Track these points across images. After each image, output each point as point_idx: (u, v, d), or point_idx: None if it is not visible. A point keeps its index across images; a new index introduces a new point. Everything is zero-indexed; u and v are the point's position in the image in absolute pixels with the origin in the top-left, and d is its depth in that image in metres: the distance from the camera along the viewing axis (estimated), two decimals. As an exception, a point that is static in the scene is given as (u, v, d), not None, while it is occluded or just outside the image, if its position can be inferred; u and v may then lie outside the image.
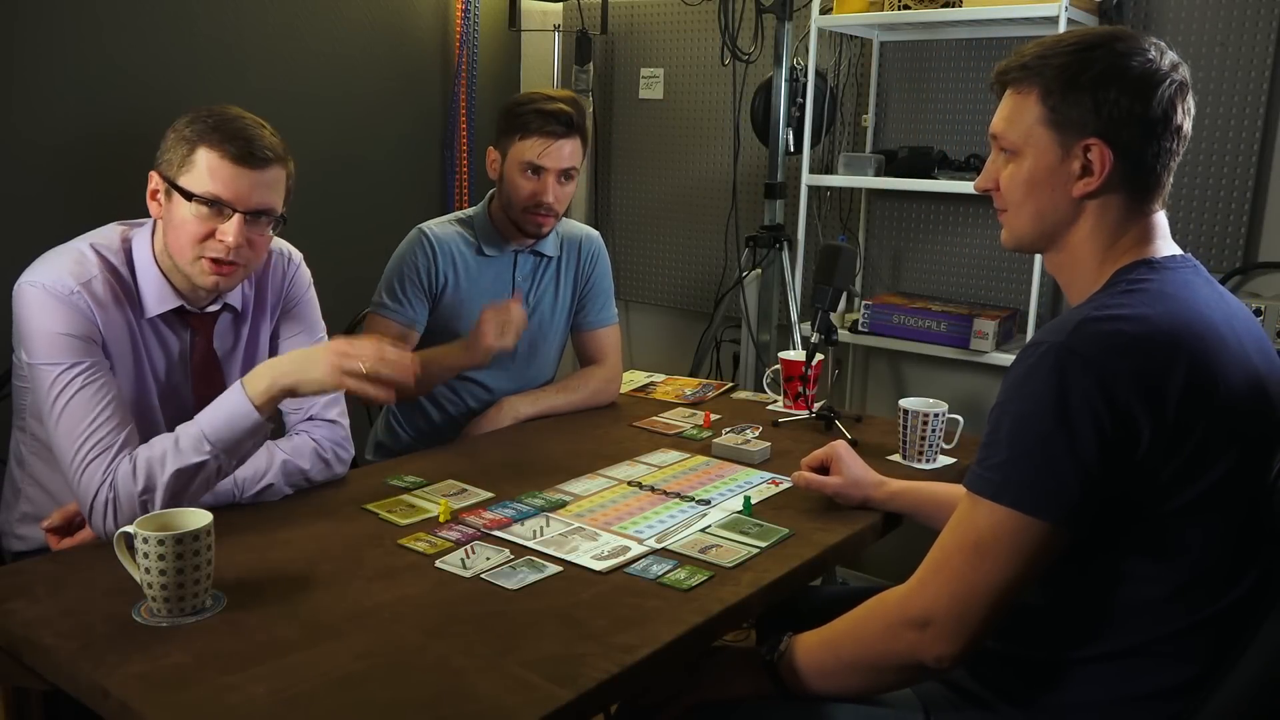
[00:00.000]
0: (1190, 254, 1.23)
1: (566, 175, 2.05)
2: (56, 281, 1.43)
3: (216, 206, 1.45)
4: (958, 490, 1.57)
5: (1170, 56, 1.18)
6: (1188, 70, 1.20)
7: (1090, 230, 1.21)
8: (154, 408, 1.57)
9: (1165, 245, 1.22)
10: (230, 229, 1.45)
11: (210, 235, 1.46)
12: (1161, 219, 1.23)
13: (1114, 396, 1.05)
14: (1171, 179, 1.22)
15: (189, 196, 1.44)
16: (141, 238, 1.54)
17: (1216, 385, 1.09)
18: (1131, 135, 1.16)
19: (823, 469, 1.63)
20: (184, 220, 1.45)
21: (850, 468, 1.61)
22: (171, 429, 1.57)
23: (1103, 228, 1.20)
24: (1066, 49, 1.18)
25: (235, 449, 1.45)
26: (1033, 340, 1.13)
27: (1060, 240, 1.23)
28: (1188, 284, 1.17)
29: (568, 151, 2.03)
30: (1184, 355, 1.08)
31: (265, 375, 1.45)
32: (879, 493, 1.59)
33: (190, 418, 1.58)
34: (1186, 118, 1.19)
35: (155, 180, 1.48)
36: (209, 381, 1.61)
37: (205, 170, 1.43)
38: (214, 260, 1.47)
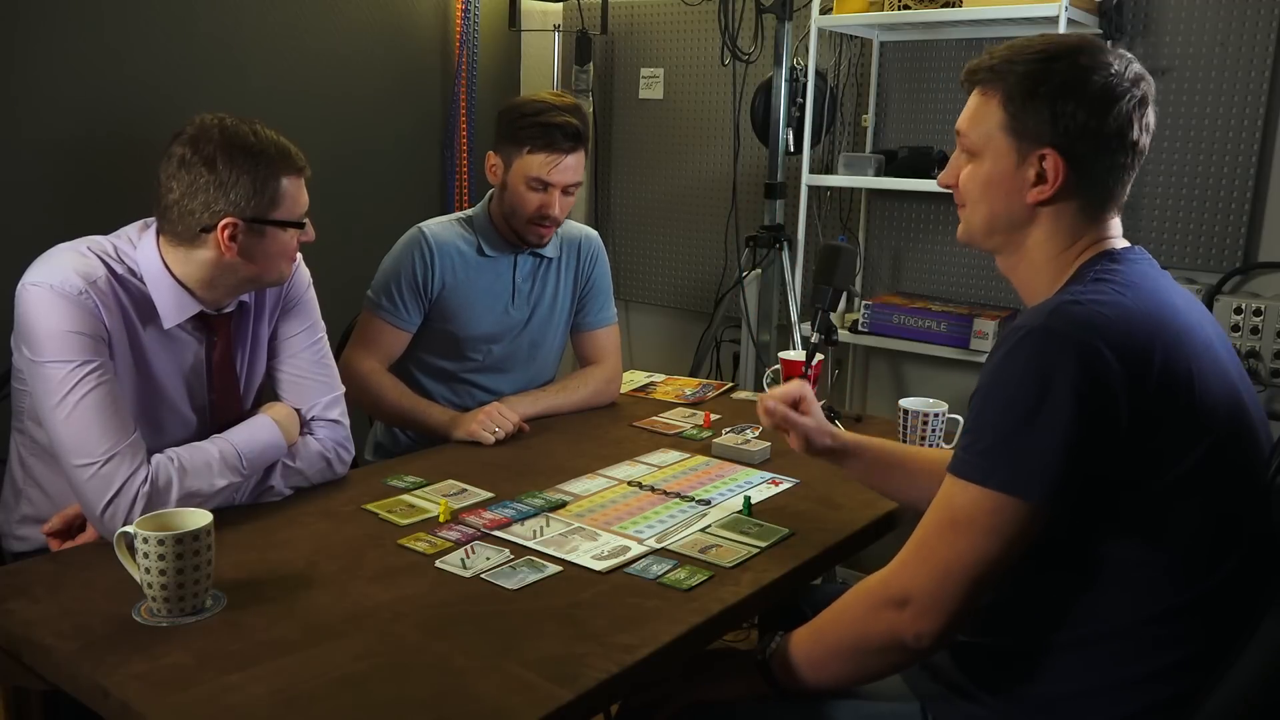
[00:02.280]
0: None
1: (571, 188, 2.05)
2: (64, 282, 1.42)
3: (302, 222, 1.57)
4: (913, 451, 1.54)
5: (1134, 69, 1.20)
6: (1151, 85, 1.21)
7: (1045, 235, 1.23)
8: (167, 411, 1.57)
9: (1119, 240, 1.25)
10: (309, 229, 1.60)
11: (296, 247, 1.59)
12: (1115, 223, 1.25)
13: (1095, 375, 1.06)
14: (1127, 191, 1.24)
15: (299, 225, 1.55)
16: (146, 249, 1.52)
17: (1190, 369, 1.12)
18: (1086, 148, 1.18)
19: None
20: (284, 244, 1.54)
21: (816, 410, 1.54)
22: (189, 430, 1.59)
23: (1058, 233, 1.23)
24: (1031, 56, 1.20)
25: (258, 472, 1.56)
26: (1012, 326, 1.15)
27: (1013, 243, 1.26)
28: (1148, 275, 1.20)
29: (574, 165, 2.02)
30: (1159, 339, 1.11)
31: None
32: (836, 441, 1.52)
33: (204, 419, 1.60)
34: (1144, 134, 1.20)
35: (231, 227, 1.47)
36: (227, 381, 1.62)
37: (292, 196, 1.53)
38: (288, 262, 1.59)
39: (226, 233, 1.47)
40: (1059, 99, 1.17)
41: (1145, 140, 1.21)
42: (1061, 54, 1.19)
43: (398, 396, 2.01)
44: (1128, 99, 1.17)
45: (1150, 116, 1.21)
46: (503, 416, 1.93)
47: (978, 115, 1.24)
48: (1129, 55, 1.21)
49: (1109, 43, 2.55)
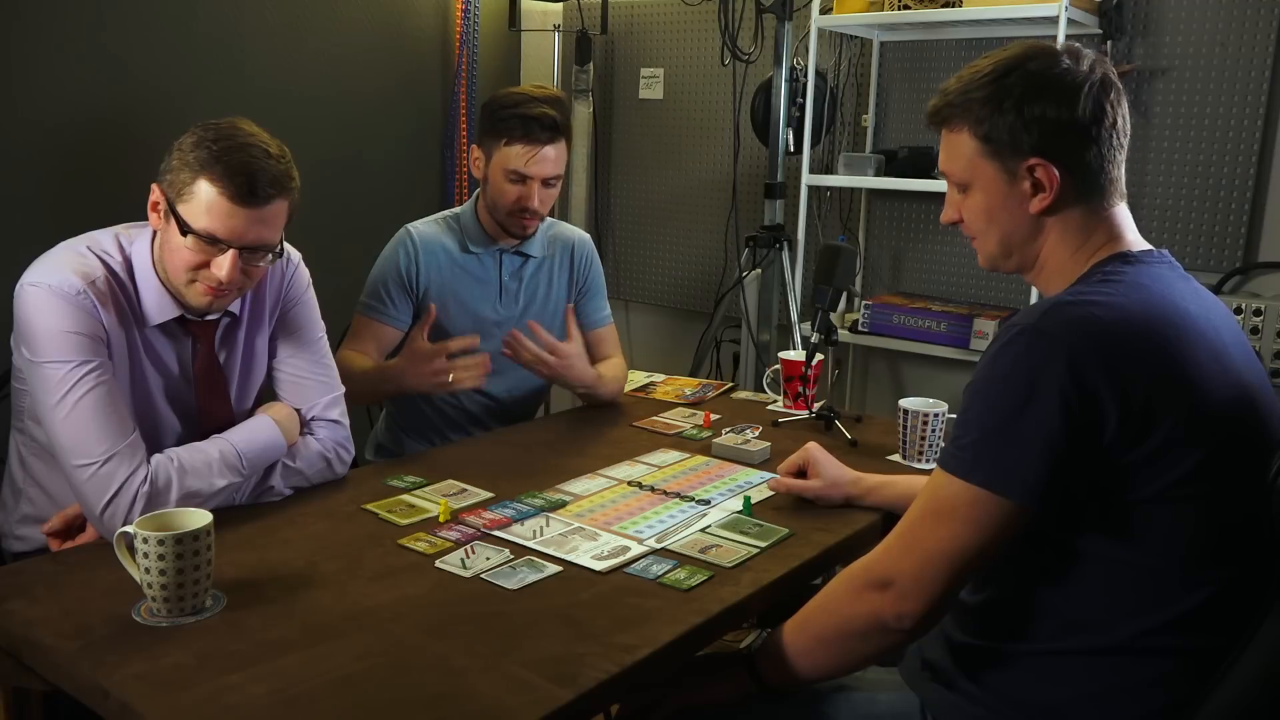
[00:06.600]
0: (1166, 251, 1.25)
1: (552, 180, 2.05)
2: (62, 282, 1.42)
3: (212, 242, 1.43)
4: None
5: (1088, 57, 1.21)
6: (1108, 66, 1.22)
7: (1057, 239, 1.24)
8: (156, 414, 1.56)
9: (1137, 239, 1.25)
10: (224, 264, 1.44)
11: (204, 265, 1.45)
12: (1123, 212, 1.25)
13: (1082, 379, 1.06)
14: (1123, 173, 1.24)
15: (185, 231, 1.42)
16: (141, 245, 1.52)
17: (1189, 377, 1.11)
18: (1067, 143, 1.19)
19: (800, 473, 1.64)
20: (179, 246, 1.44)
21: (826, 469, 1.62)
22: (176, 435, 1.58)
23: (1068, 234, 1.23)
24: (983, 80, 1.21)
25: (258, 472, 1.54)
26: (1007, 323, 1.15)
27: (1030, 256, 1.27)
28: (1162, 278, 1.19)
29: (553, 157, 2.02)
30: (1155, 345, 1.10)
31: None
32: (857, 489, 1.61)
33: (194, 424, 1.59)
34: (1117, 112, 1.21)
35: (157, 194, 1.46)
36: (213, 388, 1.61)
37: (203, 205, 1.41)
38: (207, 284, 1.47)
39: (152, 197, 1.46)
40: (1024, 106, 1.18)
41: (1123, 119, 1.21)
42: (1011, 67, 1.21)
43: (364, 364, 1.99)
44: (1088, 85, 1.18)
45: (1118, 96, 1.21)
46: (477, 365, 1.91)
47: (954, 151, 1.27)
48: (1078, 47, 1.23)
49: (1108, 43, 2.58)
